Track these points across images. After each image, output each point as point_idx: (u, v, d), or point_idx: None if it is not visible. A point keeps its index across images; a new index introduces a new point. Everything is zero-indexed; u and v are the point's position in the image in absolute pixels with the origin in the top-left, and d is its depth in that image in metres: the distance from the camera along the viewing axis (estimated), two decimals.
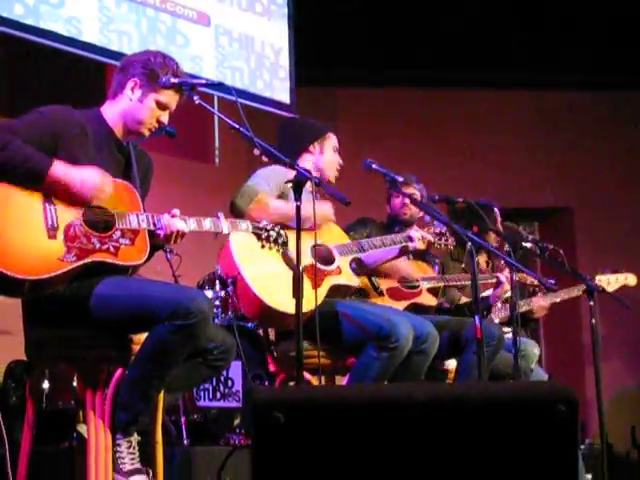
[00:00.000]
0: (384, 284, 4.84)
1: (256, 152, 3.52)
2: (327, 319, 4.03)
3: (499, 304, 5.42)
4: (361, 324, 4.15)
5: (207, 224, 3.60)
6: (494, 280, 5.32)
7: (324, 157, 4.59)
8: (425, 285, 4.91)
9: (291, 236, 3.61)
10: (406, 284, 4.95)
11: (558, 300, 5.66)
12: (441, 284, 4.99)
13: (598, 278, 5.69)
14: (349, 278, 4.35)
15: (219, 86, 3.87)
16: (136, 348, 3.44)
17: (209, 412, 5.33)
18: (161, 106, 3.64)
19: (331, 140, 4.64)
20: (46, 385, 4.92)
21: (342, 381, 4.54)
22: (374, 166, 4.32)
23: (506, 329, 4.92)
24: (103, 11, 6.19)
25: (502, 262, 5.42)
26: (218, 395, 5.39)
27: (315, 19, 7.86)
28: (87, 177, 3.39)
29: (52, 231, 3.33)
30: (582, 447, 6.44)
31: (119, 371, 3.46)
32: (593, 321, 5.10)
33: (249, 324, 5.52)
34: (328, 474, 2.10)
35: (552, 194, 9.26)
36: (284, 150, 4.42)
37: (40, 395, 4.82)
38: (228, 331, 4.07)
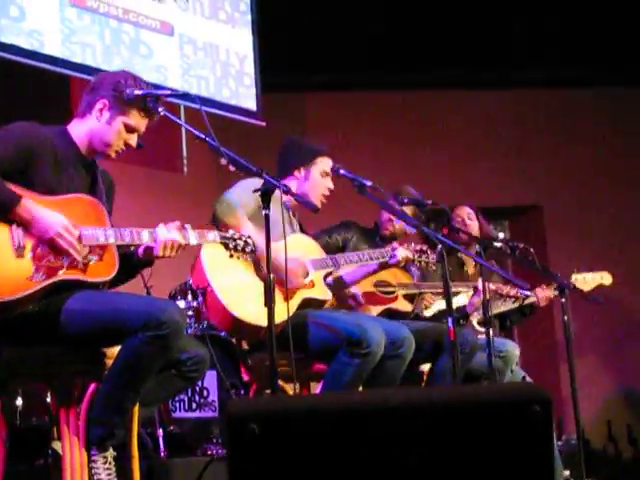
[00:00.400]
0: (360, 289, 4.83)
1: (223, 162, 3.50)
2: (299, 329, 4.03)
3: (476, 313, 5.43)
4: (332, 330, 4.14)
5: (176, 236, 3.58)
6: (470, 290, 5.32)
7: (308, 183, 4.57)
8: (401, 291, 4.91)
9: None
10: (380, 289, 4.95)
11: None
12: (417, 291, 4.98)
13: (574, 277, 5.72)
14: (322, 292, 4.35)
15: (184, 96, 3.87)
16: (109, 362, 3.43)
17: (185, 423, 5.30)
18: (129, 129, 3.62)
19: (319, 165, 4.60)
20: (19, 402, 4.88)
21: (316, 387, 4.54)
22: (342, 171, 4.31)
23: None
24: (65, 23, 6.14)
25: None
26: (194, 405, 5.37)
27: (281, 24, 7.85)
28: (52, 223, 3.34)
29: (19, 250, 3.30)
30: (559, 444, 6.47)
31: (92, 386, 3.44)
32: (565, 318, 5.14)
33: (222, 333, 5.50)
34: None
35: (521, 192, 9.29)
36: (280, 171, 4.48)
37: (13, 412, 4.78)
38: (202, 341, 4.06)
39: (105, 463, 3.38)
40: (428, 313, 5.16)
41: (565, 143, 9.37)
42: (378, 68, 8.80)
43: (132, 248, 3.63)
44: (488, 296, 4.49)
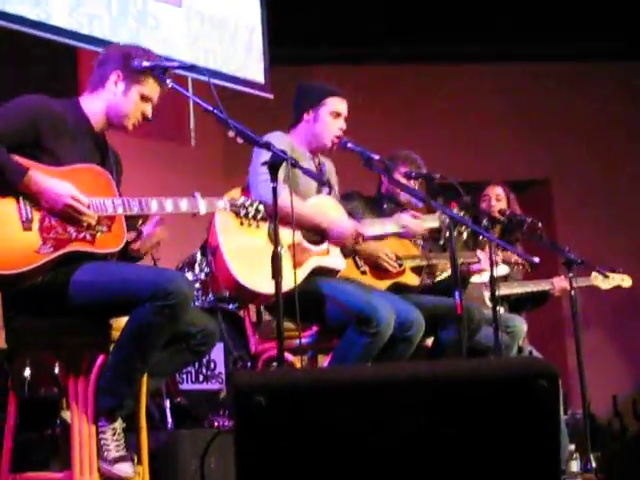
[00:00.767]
0: (366, 264, 4.80)
1: (230, 134, 3.49)
2: (307, 298, 4.00)
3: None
4: (343, 306, 4.12)
5: (184, 205, 3.57)
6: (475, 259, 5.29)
7: (318, 125, 4.49)
8: (408, 264, 4.87)
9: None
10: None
11: (582, 285, 5.69)
12: (424, 263, 4.94)
13: (594, 275, 5.74)
14: (335, 261, 4.32)
15: (192, 68, 3.86)
16: (116, 334, 3.43)
17: (192, 395, 5.32)
18: (145, 98, 3.62)
19: (329, 105, 4.51)
20: (28, 373, 4.90)
21: (325, 360, 4.54)
22: (349, 145, 4.30)
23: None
24: None
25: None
26: (201, 378, 5.39)
27: None
28: (61, 193, 3.34)
29: (27, 223, 3.30)
30: (565, 418, 6.48)
31: (101, 358, 3.45)
32: (572, 293, 5.14)
33: (230, 306, 5.52)
34: (311, 456, 2.10)
35: (529, 166, 9.27)
36: (293, 119, 4.43)
37: (22, 383, 4.80)
38: (210, 314, 4.07)
39: (114, 435, 3.39)
40: (441, 277, 5.13)
41: (574, 117, 9.33)
42: (388, 41, 8.75)
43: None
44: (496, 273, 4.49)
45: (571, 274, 5.18)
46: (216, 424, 5.13)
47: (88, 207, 3.37)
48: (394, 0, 8.39)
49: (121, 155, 3.87)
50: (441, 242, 5.01)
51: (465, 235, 4.68)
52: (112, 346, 3.45)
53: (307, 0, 8.12)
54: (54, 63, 6.66)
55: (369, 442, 2.10)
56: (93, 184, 3.48)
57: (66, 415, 3.48)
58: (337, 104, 4.53)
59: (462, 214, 4.49)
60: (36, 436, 4.53)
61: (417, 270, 4.94)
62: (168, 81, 3.58)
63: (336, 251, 4.33)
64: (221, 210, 3.67)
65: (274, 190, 3.43)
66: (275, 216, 3.42)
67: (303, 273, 4.04)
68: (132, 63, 3.58)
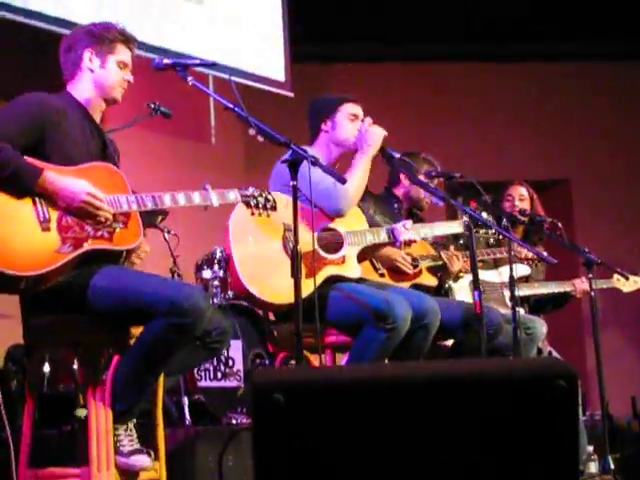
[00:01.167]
0: (383, 266, 4.78)
1: (251, 132, 3.50)
2: (323, 301, 4.02)
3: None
4: (359, 302, 4.13)
5: (197, 198, 3.59)
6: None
7: (337, 131, 4.50)
8: (424, 264, 4.84)
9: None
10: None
11: (604, 286, 5.68)
12: (439, 262, 4.91)
13: (616, 277, 5.72)
14: (351, 270, 4.31)
15: (213, 66, 3.85)
16: (134, 333, 3.44)
17: (210, 392, 5.32)
18: (122, 65, 3.66)
19: (344, 111, 4.53)
20: (47, 369, 4.92)
21: (343, 358, 4.54)
22: None
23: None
24: None
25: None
26: (219, 375, 5.39)
27: None
28: (77, 191, 3.35)
29: (44, 223, 3.31)
30: (583, 419, 6.46)
31: (117, 357, 3.45)
32: (592, 293, 5.12)
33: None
34: (330, 455, 2.10)
35: (549, 166, 9.24)
36: (311, 135, 4.47)
37: (41, 379, 4.82)
38: (226, 312, 4.08)
39: (126, 430, 3.41)
40: (460, 282, 5.09)
41: (594, 117, 9.30)
42: (407, 39, 8.74)
43: None
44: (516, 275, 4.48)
45: (591, 275, 5.15)
46: (234, 421, 5.13)
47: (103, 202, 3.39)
48: (411, 2, 8.38)
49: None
50: (461, 241, 4.99)
51: (492, 239, 4.65)
52: (130, 345, 3.46)
53: None
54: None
55: (388, 441, 2.09)
56: (107, 182, 3.49)
57: (83, 412, 3.49)
58: (352, 107, 4.56)
59: (483, 214, 4.47)
60: (54, 432, 4.55)
61: (433, 270, 4.92)
62: (189, 79, 3.58)
63: (352, 260, 4.32)
64: (232, 201, 3.68)
65: (294, 188, 3.44)
66: (295, 215, 3.42)
67: (317, 282, 4.02)
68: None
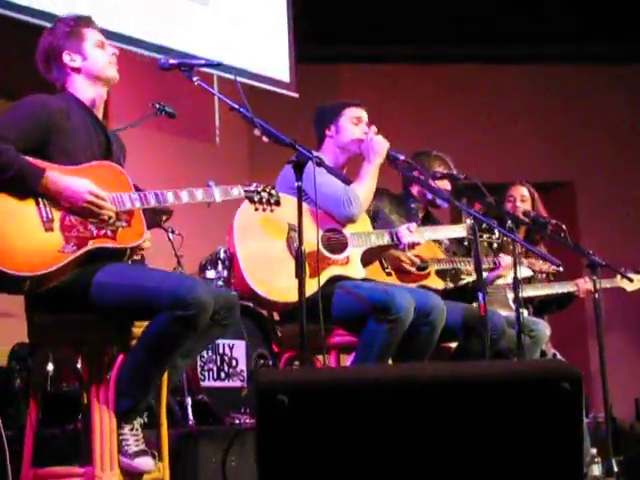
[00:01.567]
0: (391, 266, 4.78)
1: (256, 132, 3.49)
2: (325, 299, 4.01)
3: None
4: (359, 299, 4.12)
5: (200, 195, 3.59)
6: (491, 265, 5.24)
7: (341, 136, 4.53)
8: (434, 267, 4.84)
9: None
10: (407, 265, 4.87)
11: (608, 286, 5.66)
12: (449, 266, 4.90)
13: (619, 276, 5.70)
14: (354, 271, 4.31)
15: (218, 66, 3.83)
16: (137, 331, 3.44)
17: (214, 392, 5.32)
18: (99, 44, 3.66)
19: (347, 115, 4.56)
20: (50, 367, 4.92)
21: (347, 359, 4.54)
22: None
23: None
24: None
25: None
26: (222, 375, 5.39)
27: None
28: (79, 190, 3.35)
29: (48, 223, 3.31)
30: (587, 421, 6.45)
31: (121, 356, 3.45)
32: (596, 295, 5.11)
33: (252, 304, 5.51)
34: (333, 455, 2.10)
35: (553, 168, 9.23)
36: (317, 141, 4.49)
37: (44, 378, 4.82)
38: None
39: (132, 430, 3.40)
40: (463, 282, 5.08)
41: (598, 120, 9.29)
42: (412, 41, 8.74)
43: None
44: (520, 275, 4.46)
45: (595, 277, 5.15)
46: (237, 422, 5.13)
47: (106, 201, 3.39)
48: (417, 0, 8.38)
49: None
50: (465, 243, 4.98)
51: (495, 244, 4.63)
52: (132, 343, 3.45)
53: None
54: None
55: (391, 442, 2.09)
56: (109, 180, 3.49)
57: (87, 411, 3.49)
58: (356, 111, 4.59)
59: (485, 215, 4.46)
60: (58, 431, 4.54)
61: (442, 273, 4.92)
62: (195, 79, 3.58)
63: (356, 261, 4.32)
64: (235, 197, 3.68)
65: (299, 188, 3.44)
66: (300, 214, 3.42)
67: (320, 282, 4.02)
68: (64, 35, 3.61)
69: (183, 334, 3.33)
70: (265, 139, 3.52)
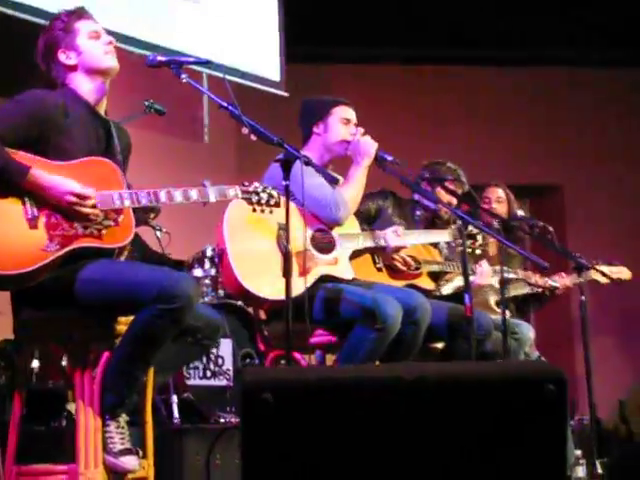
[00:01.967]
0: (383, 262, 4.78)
1: (244, 131, 3.49)
2: (313, 300, 4.03)
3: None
4: (349, 302, 4.13)
5: (194, 195, 3.54)
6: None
7: (329, 135, 4.52)
8: (426, 269, 4.84)
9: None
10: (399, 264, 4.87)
11: (583, 281, 5.63)
12: (441, 269, 4.90)
13: (592, 271, 5.67)
14: (343, 271, 4.31)
15: (207, 64, 3.82)
16: (122, 328, 3.43)
17: (199, 391, 5.32)
18: (94, 35, 3.63)
19: (336, 114, 4.55)
20: (35, 364, 4.91)
21: (333, 358, 4.53)
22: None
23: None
24: None
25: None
26: (208, 374, 5.39)
27: None
28: (63, 191, 3.32)
29: (32, 221, 3.29)
30: (571, 423, 6.47)
31: (107, 353, 3.44)
32: (582, 298, 5.12)
33: (239, 302, 5.51)
34: (318, 454, 2.10)
35: (541, 172, 9.25)
36: (303, 136, 4.48)
37: (29, 374, 4.81)
38: (218, 310, 4.07)
39: (118, 427, 3.39)
40: (446, 290, 5.08)
41: (587, 123, 9.32)
42: (402, 42, 8.75)
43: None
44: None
45: (582, 279, 5.15)
46: (222, 420, 5.13)
47: (93, 206, 3.36)
48: (410, 0, 8.38)
49: (134, 150, 3.86)
50: (453, 245, 4.98)
51: (478, 250, 4.63)
52: (118, 340, 3.44)
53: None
54: None
55: (376, 441, 2.10)
56: (100, 177, 3.45)
57: (72, 408, 3.48)
58: (345, 111, 4.58)
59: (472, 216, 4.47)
60: (42, 428, 4.54)
61: (434, 276, 4.92)
62: (184, 76, 3.57)
63: (345, 261, 4.32)
64: (232, 198, 3.65)
65: (287, 187, 3.44)
66: (287, 214, 3.43)
67: (309, 282, 4.02)
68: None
69: (168, 327, 3.32)
70: (253, 137, 3.51)
